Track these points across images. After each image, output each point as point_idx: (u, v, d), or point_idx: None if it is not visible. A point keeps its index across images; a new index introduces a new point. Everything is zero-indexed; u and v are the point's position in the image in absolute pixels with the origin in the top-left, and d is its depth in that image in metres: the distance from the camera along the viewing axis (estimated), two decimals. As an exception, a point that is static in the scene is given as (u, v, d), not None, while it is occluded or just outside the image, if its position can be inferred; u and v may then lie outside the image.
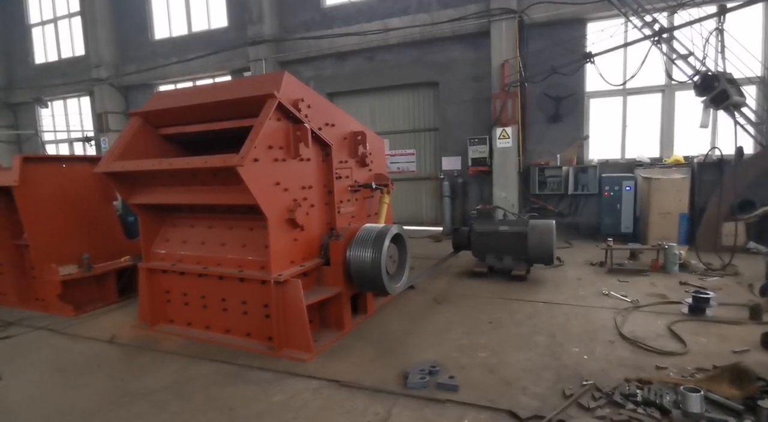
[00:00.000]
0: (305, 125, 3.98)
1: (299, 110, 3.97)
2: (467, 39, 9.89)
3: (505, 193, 9.30)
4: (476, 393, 3.12)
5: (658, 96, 8.88)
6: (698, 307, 4.54)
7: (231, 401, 3.19)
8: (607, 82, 7.30)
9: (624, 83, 7.68)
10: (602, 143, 9.34)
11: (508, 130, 9.15)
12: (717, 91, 5.27)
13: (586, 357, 3.65)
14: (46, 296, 5.24)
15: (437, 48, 10.20)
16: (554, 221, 6.08)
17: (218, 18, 12.68)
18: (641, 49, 7.48)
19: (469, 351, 3.82)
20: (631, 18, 7.64)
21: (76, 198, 5.50)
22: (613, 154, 9.30)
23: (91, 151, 14.47)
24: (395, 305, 5.12)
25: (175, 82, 13.55)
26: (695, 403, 2.51)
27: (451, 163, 10.28)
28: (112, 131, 13.78)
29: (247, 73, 11.28)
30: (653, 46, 6.95)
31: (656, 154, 8.97)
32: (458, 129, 10.10)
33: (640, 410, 2.78)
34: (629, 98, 9.05)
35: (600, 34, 8.20)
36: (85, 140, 14.43)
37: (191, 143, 4.82)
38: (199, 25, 13.02)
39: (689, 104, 8.65)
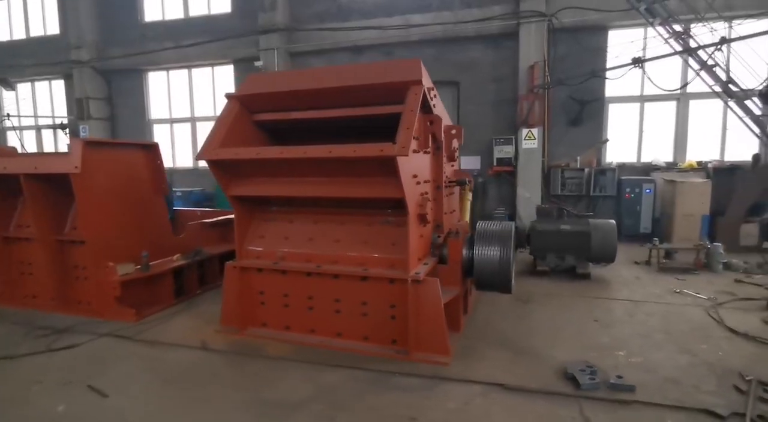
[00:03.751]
0: (438, 115, 3.77)
1: (431, 99, 3.76)
2: (489, 40, 9.96)
3: (529, 193, 9.43)
4: (654, 393, 3.07)
5: (673, 103, 9.37)
6: (779, 303, 4.78)
7: (400, 410, 2.93)
8: (658, 87, 7.68)
9: (681, 88, 7.94)
10: (619, 146, 9.73)
11: (534, 131, 9.28)
12: (790, 99, 5.61)
13: (720, 353, 3.71)
14: (101, 298, 4.63)
15: (458, 48, 10.18)
16: (614, 221, 6.23)
17: (220, 3, 11.96)
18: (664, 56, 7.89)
19: (605, 351, 3.78)
20: (657, 28, 8.02)
21: (129, 189, 4.93)
22: (629, 157, 9.71)
23: (66, 140, 13.18)
24: (484, 305, 4.99)
25: (167, 69, 12.67)
26: None
27: (470, 162, 10.27)
28: (94, 119, 12.66)
29: (257, 63, 10.70)
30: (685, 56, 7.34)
31: (670, 158, 9.46)
32: (478, 129, 10.08)
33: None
34: (645, 105, 9.49)
35: (616, 42, 8.65)
36: (60, 127, 13.09)
37: (280, 130, 4.45)
38: (197, 10, 12.22)
39: (701, 112, 9.26)
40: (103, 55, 12.55)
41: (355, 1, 10.88)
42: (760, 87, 6.10)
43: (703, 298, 5.19)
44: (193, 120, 12.71)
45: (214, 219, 6.29)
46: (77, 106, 12.61)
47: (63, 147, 13.65)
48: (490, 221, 4.24)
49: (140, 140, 8.86)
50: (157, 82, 12.92)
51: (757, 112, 7.47)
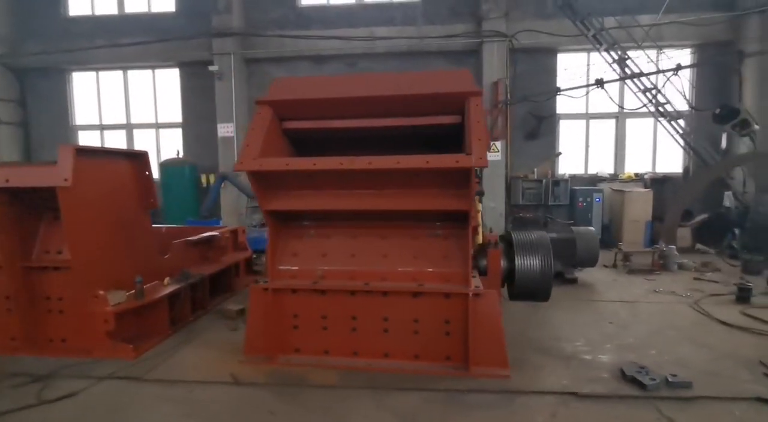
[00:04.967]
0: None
1: (476, 111, 3.77)
2: (452, 56, 10.33)
3: (494, 203, 9.83)
4: (705, 386, 3.30)
5: (613, 121, 10.43)
6: (744, 296, 5.46)
7: (493, 430, 2.84)
8: (617, 104, 8.46)
9: (642, 107, 8.75)
10: (569, 159, 10.57)
11: (498, 144, 9.74)
12: (740, 118, 6.49)
13: (730, 344, 4.13)
14: (86, 334, 3.91)
15: (421, 62, 10.40)
16: (593, 228, 6.72)
17: (162, 1, 11.02)
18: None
19: (638, 350, 4.01)
20: (603, 53, 8.97)
21: (117, 204, 4.27)
22: (578, 169, 10.59)
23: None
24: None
25: (97, 70, 11.34)
26: None
27: (435, 174, 10.48)
28: (3, 123, 10.90)
29: (212, 68, 9.98)
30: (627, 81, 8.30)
31: (612, 170, 10.48)
32: (442, 141, 10.38)
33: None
34: (591, 121, 10.46)
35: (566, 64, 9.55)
36: (-44, 132, 11.04)
37: (301, 140, 4.17)
38: (135, 6, 11.15)
39: (636, 128, 10.42)
40: (16, 51, 10.87)
41: (316, 10, 10.68)
42: (717, 110, 7.04)
43: (681, 296, 5.76)
44: (129, 127, 11.47)
45: (197, 237, 5.69)
46: (-19, 108, 10.75)
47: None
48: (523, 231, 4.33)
49: (128, 149, 7.85)
50: (83, 83, 11.50)
51: (688, 129, 8.63)
